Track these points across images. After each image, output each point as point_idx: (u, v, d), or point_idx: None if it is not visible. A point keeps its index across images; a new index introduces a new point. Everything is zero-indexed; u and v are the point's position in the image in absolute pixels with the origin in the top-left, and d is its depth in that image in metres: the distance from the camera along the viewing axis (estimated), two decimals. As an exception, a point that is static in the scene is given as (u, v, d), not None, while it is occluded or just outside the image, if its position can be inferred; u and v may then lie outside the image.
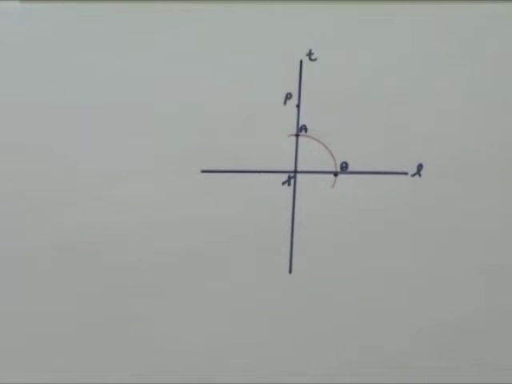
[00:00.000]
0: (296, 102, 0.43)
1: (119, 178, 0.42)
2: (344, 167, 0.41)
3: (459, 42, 0.43)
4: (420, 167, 0.40)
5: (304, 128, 0.43)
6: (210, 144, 0.43)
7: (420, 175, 0.40)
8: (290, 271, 0.40)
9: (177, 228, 0.42)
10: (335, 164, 0.42)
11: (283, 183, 0.42)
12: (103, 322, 0.41)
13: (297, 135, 0.43)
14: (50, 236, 0.42)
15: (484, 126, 0.41)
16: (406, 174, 0.40)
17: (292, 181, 0.42)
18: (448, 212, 0.39)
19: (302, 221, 0.41)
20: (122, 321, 0.40)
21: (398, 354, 0.37)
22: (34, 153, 0.41)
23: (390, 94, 0.42)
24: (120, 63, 0.41)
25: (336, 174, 0.41)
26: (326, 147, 0.42)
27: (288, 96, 0.43)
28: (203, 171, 0.43)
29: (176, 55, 0.41)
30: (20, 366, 0.41)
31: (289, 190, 0.41)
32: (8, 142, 0.41)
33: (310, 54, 0.44)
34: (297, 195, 0.41)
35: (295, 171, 0.42)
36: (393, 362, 0.37)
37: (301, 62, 0.44)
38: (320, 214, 0.41)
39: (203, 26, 0.45)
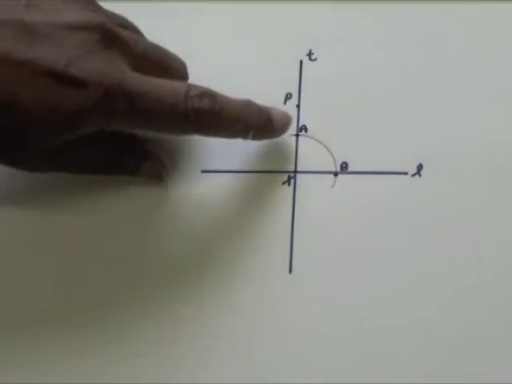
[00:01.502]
0: (296, 102, 0.43)
1: (119, 178, 0.42)
2: (344, 167, 0.41)
3: (460, 42, 0.43)
4: (420, 167, 0.40)
5: (304, 128, 0.43)
6: (210, 144, 0.43)
7: (420, 175, 0.40)
8: (290, 271, 0.40)
9: (176, 228, 0.42)
10: (335, 164, 0.42)
11: (283, 183, 0.42)
12: (103, 322, 0.41)
13: (297, 135, 0.43)
14: (46, 233, 0.42)
15: (485, 126, 0.41)
16: (406, 174, 0.40)
17: (292, 181, 0.42)
18: (448, 212, 0.39)
19: (302, 221, 0.41)
20: (122, 320, 0.40)
21: (400, 354, 0.37)
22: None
23: (390, 94, 0.42)
24: (120, 63, 0.41)
25: (336, 174, 0.41)
26: (326, 147, 0.42)
27: (288, 96, 0.43)
28: (203, 171, 0.43)
29: (176, 55, 0.41)
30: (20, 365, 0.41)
31: (289, 190, 0.41)
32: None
33: (310, 54, 0.44)
34: (297, 195, 0.41)
35: (295, 171, 0.42)
36: (394, 362, 0.37)
37: (301, 61, 0.44)
38: (320, 214, 0.41)
39: (203, 26, 0.45)
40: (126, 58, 0.37)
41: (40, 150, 0.37)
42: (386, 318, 0.38)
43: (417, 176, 0.40)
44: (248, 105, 0.39)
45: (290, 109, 0.43)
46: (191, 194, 0.42)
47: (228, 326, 0.39)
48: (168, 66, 0.40)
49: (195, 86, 0.37)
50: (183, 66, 0.42)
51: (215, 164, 0.43)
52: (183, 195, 0.42)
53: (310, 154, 0.42)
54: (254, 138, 0.40)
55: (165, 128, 0.38)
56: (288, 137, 0.43)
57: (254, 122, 0.39)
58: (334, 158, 0.42)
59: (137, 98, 0.36)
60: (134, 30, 0.40)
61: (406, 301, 0.38)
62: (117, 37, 0.37)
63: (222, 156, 0.43)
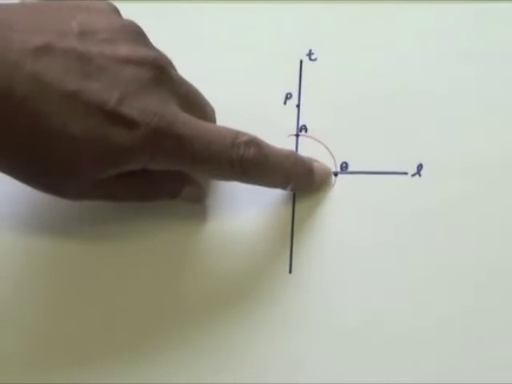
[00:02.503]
0: (296, 102, 0.43)
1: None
2: (344, 167, 0.41)
3: (459, 42, 0.43)
4: (420, 167, 0.40)
5: (304, 128, 0.43)
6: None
7: (420, 175, 0.40)
8: (290, 271, 0.40)
9: (176, 228, 0.42)
10: (335, 164, 0.42)
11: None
12: (101, 321, 0.41)
13: (297, 135, 0.43)
14: (49, 239, 0.42)
15: (484, 126, 0.41)
16: (406, 174, 0.40)
17: (292, 181, 0.42)
18: (448, 212, 0.39)
19: (302, 221, 0.41)
20: (120, 320, 0.40)
21: (400, 354, 0.37)
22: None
23: (391, 94, 0.42)
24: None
25: (336, 174, 0.41)
26: (326, 147, 0.42)
27: (288, 96, 0.43)
28: (203, 171, 0.43)
29: (176, 55, 0.41)
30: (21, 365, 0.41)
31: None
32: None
33: (310, 54, 0.44)
34: (297, 195, 0.41)
35: (295, 171, 0.42)
36: (394, 362, 0.37)
37: (301, 61, 0.44)
38: (320, 214, 0.41)
39: (202, 26, 0.45)
40: (175, 97, 0.36)
41: (85, 180, 0.36)
42: (386, 317, 0.38)
43: (417, 176, 0.40)
44: (292, 156, 0.39)
45: (289, 109, 0.43)
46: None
47: (228, 325, 0.39)
48: (204, 108, 0.40)
49: (242, 134, 0.37)
50: (212, 110, 0.41)
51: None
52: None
53: (309, 154, 0.42)
54: (293, 189, 0.40)
55: (207, 172, 0.38)
56: (288, 137, 0.43)
57: (295, 174, 0.39)
58: (334, 158, 0.42)
59: (185, 142, 0.35)
60: (175, 68, 0.40)
61: (407, 300, 0.38)
62: (168, 75, 0.36)
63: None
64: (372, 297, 0.38)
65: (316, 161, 0.41)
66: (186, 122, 0.36)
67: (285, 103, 0.43)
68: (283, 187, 0.40)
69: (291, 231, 0.40)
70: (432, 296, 0.38)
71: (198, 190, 0.41)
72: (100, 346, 0.40)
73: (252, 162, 0.37)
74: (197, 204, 0.41)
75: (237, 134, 0.37)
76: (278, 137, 0.42)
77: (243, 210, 0.41)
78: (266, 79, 0.42)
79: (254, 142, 0.37)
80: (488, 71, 0.42)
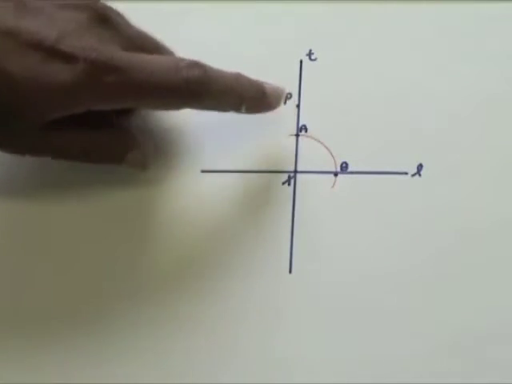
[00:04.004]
0: (296, 102, 0.43)
1: (119, 177, 0.42)
2: (344, 167, 0.41)
3: (459, 42, 0.43)
4: (420, 167, 0.40)
5: (304, 128, 0.43)
6: (209, 144, 0.43)
7: (420, 175, 0.40)
8: (290, 271, 0.40)
9: (176, 228, 0.42)
10: (335, 164, 0.42)
11: (283, 183, 0.42)
12: (97, 318, 0.41)
13: (297, 135, 0.43)
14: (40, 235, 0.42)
15: (484, 125, 0.41)
16: (406, 174, 0.40)
17: (292, 181, 0.42)
18: (448, 212, 0.39)
19: (302, 221, 0.41)
20: (120, 321, 0.40)
21: (401, 355, 0.37)
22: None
23: (390, 94, 0.42)
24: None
25: (336, 174, 0.41)
26: (326, 147, 0.42)
27: (288, 96, 0.43)
28: (203, 171, 0.43)
29: (176, 55, 0.41)
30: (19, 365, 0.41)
31: (289, 189, 0.41)
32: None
33: (310, 54, 0.44)
34: (297, 195, 0.41)
35: (295, 171, 0.42)
36: (394, 363, 0.37)
37: (301, 61, 0.44)
38: (320, 214, 0.41)
39: (202, 26, 0.45)
40: (116, 38, 0.37)
41: (29, 125, 0.36)
42: (386, 318, 0.38)
43: (417, 176, 0.40)
44: (239, 77, 0.39)
45: (289, 109, 0.43)
46: (191, 194, 0.42)
47: (228, 326, 0.39)
48: (157, 51, 0.40)
49: (183, 59, 0.37)
50: (171, 53, 0.42)
51: (215, 164, 0.43)
52: (183, 195, 0.42)
53: (310, 154, 0.42)
54: (248, 111, 0.40)
55: (157, 103, 0.38)
56: (288, 137, 0.43)
57: (246, 94, 0.39)
58: (333, 158, 0.42)
59: (126, 73, 0.35)
60: (120, 15, 0.40)
61: (407, 301, 0.38)
62: (107, 17, 0.37)
63: (221, 156, 0.43)
64: (372, 297, 0.38)
65: (266, 82, 0.41)
66: (124, 55, 0.36)
67: (285, 103, 0.43)
68: (236, 109, 0.40)
69: (291, 231, 0.40)
70: (432, 296, 0.38)
71: (143, 155, 0.41)
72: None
73: (197, 83, 0.37)
74: (140, 171, 0.41)
75: (178, 59, 0.38)
76: (278, 137, 0.43)
77: (243, 209, 0.41)
78: (266, 79, 0.42)
79: (197, 64, 0.37)
80: (488, 71, 0.42)
